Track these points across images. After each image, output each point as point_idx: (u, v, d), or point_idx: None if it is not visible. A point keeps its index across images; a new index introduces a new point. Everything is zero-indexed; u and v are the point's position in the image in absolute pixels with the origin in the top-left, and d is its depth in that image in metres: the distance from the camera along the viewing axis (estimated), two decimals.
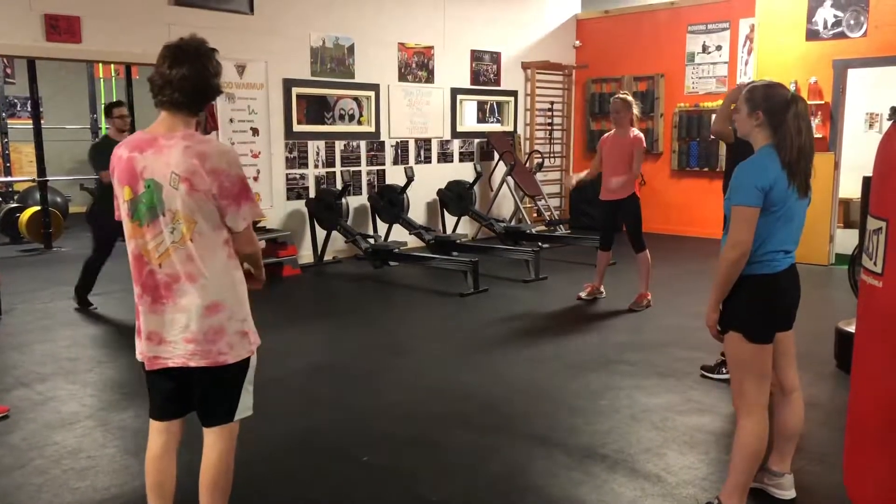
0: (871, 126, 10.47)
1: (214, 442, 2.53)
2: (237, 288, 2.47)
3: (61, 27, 6.68)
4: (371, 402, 4.36)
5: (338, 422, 4.05)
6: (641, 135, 6.46)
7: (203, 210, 2.35)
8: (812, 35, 8.35)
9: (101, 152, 6.74)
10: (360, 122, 9.36)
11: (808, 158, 2.80)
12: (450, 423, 4.02)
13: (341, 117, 9.55)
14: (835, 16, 8.15)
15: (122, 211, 2.45)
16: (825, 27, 8.24)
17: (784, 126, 2.77)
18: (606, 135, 6.63)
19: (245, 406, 2.57)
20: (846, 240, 8.06)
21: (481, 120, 11.32)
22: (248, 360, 2.52)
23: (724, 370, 4.69)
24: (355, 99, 9.37)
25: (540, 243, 8.77)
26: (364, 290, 7.50)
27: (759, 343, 2.84)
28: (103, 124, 11.91)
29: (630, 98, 6.54)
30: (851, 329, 4.75)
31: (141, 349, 2.50)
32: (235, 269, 2.48)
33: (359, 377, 4.78)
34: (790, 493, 3.15)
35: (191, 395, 2.54)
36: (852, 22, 8.06)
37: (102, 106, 11.58)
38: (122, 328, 6.02)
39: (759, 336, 2.85)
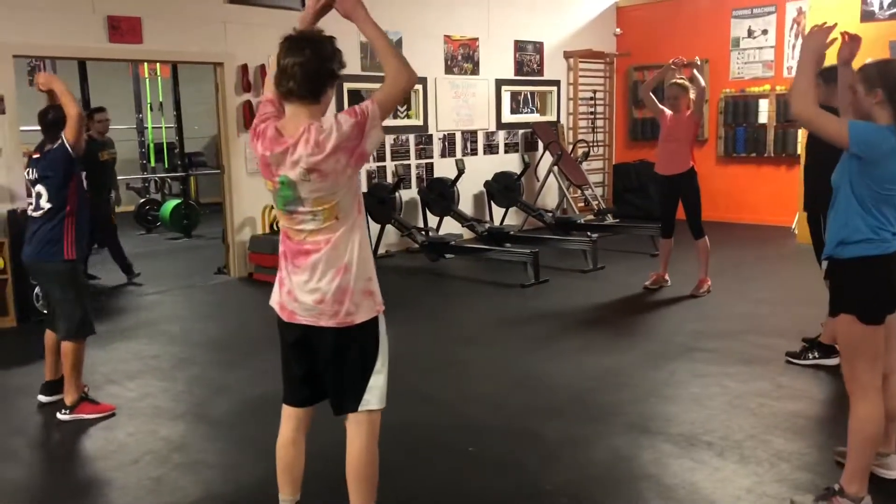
0: None
1: (356, 435, 2.57)
2: (363, 250, 2.51)
3: (123, 28, 6.74)
4: (459, 393, 4.38)
5: (431, 414, 4.07)
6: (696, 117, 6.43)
7: (339, 185, 2.41)
8: (867, 16, 8.25)
9: (86, 152, 7.05)
10: (408, 116, 9.36)
11: None
12: (543, 413, 4.03)
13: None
14: None
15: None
16: (881, 7, 8.14)
17: None
18: (662, 114, 6.54)
19: (378, 387, 2.55)
20: None
21: (515, 111, 11.18)
22: (376, 322, 2.55)
23: (811, 355, 4.68)
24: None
25: (589, 233, 8.74)
26: (423, 283, 7.52)
27: (871, 324, 2.83)
28: (150, 123, 12.07)
29: (687, 83, 6.49)
30: None
31: (280, 299, 2.57)
32: (360, 229, 2.52)
33: (440, 369, 4.80)
34: (895, 473, 3.15)
35: (323, 380, 2.59)
36: None
37: (148, 104, 11.75)
38: (187, 325, 6.10)
39: (871, 317, 2.83)
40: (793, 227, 9.56)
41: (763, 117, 10.14)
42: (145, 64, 10.57)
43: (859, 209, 2.79)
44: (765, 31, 10.10)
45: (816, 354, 4.66)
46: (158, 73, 10.92)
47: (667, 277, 6.80)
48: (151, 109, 10.99)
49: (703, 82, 6.48)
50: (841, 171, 2.88)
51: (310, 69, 2.38)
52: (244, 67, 7.70)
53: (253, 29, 7.69)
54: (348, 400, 2.56)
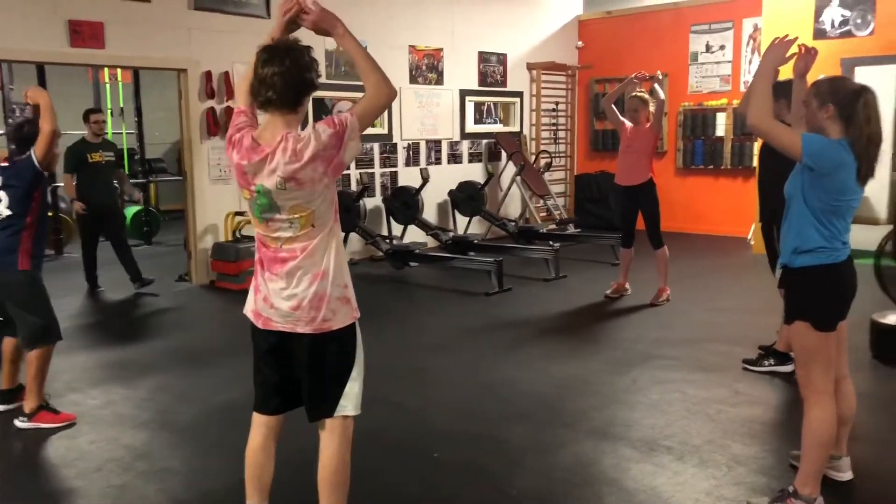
0: None
1: (329, 441, 2.59)
2: (339, 257, 2.54)
3: (85, 33, 6.67)
4: (425, 400, 4.42)
5: (397, 421, 4.10)
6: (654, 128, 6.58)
7: (316, 193, 2.42)
8: (819, 34, 8.52)
9: (74, 154, 7.20)
10: (373, 125, 9.38)
11: (878, 146, 2.89)
12: (509, 419, 4.09)
13: None
14: (842, 15, 8.32)
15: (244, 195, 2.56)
16: (833, 26, 8.41)
17: (855, 116, 2.85)
18: (623, 126, 6.65)
19: (354, 394, 2.57)
20: (859, 235, 8.19)
21: (479, 121, 11.28)
22: (353, 329, 2.58)
23: (767, 362, 4.81)
24: (352, 101, 9.23)
25: (551, 242, 8.86)
26: (388, 291, 7.55)
27: (825, 331, 2.94)
28: (110, 129, 11.88)
29: (647, 96, 6.63)
30: (886, 321, 4.91)
31: (254, 307, 2.58)
32: (336, 237, 2.54)
33: (406, 376, 4.83)
34: (847, 475, 3.27)
35: (296, 388, 2.60)
36: (859, 21, 8.23)
37: (108, 110, 11.57)
38: (150, 333, 6.05)
39: (825, 324, 2.94)
40: (749, 237, 9.80)
41: (720, 130, 10.39)
42: (105, 69, 10.42)
43: (812, 219, 2.90)
44: (722, 47, 10.35)
45: (772, 361, 4.79)
46: (119, 79, 10.79)
47: (627, 286, 6.92)
48: (112, 115, 10.84)
49: (662, 95, 6.64)
50: (793, 182, 2.99)
51: (289, 79, 2.40)
52: (208, 74, 7.67)
53: (217, 35, 7.67)
54: (324, 406, 2.57)
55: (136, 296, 7.24)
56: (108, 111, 11.07)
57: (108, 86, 11.12)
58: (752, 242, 9.52)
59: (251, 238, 7.70)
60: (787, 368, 4.67)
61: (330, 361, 2.55)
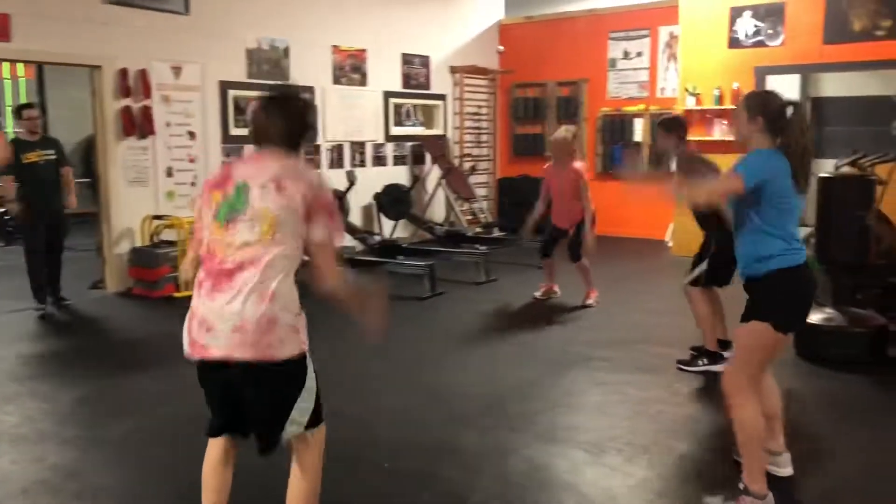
0: None
1: (295, 458, 2.49)
2: (292, 285, 2.44)
3: None
4: (369, 408, 4.31)
5: (343, 430, 3.95)
6: (581, 166, 6.67)
7: (286, 211, 2.36)
8: (734, 43, 8.84)
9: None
10: None
11: (812, 156, 3.00)
12: (456, 424, 4.04)
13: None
14: (755, 25, 8.66)
15: (206, 216, 2.44)
16: (746, 36, 8.74)
17: (789, 128, 2.95)
18: (548, 166, 6.84)
19: (302, 413, 2.47)
20: None
21: (398, 123, 11.13)
22: (303, 362, 2.46)
23: (700, 362, 4.92)
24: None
25: (477, 245, 8.89)
26: (318, 297, 7.35)
27: (788, 332, 3.01)
28: (9, 126, 11.23)
29: (571, 135, 6.74)
30: (809, 319, 5.10)
31: (190, 336, 2.41)
32: (293, 264, 2.44)
33: (346, 384, 4.70)
34: (788, 471, 3.34)
35: (245, 415, 2.49)
36: (770, 31, 8.58)
37: (7, 108, 10.94)
38: (66, 342, 5.72)
39: (790, 326, 3.02)
40: (666, 239, 10.08)
41: (638, 135, 10.65)
42: (4, 64, 9.85)
43: (767, 228, 2.97)
44: (640, 53, 10.62)
45: (705, 361, 4.91)
46: (21, 75, 10.20)
47: (556, 288, 6.99)
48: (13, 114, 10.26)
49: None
50: (739, 203, 3.05)
51: (293, 129, 2.50)
52: (124, 71, 7.32)
53: (134, 31, 7.34)
54: (270, 439, 2.48)
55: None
56: (7, 108, 10.50)
57: (7, 82, 10.50)
58: (670, 244, 9.80)
59: (171, 243, 7.46)
60: (721, 367, 4.79)
61: (275, 395, 2.41)
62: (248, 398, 2.42)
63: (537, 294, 6.99)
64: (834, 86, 10.13)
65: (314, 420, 2.52)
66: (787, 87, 9.57)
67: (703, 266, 4.83)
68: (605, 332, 5.85)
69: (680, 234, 9.28)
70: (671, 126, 4.99)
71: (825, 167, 10.27)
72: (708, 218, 4.71)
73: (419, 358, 5.25)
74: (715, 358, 4.87)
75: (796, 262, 3.00)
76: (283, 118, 2.47)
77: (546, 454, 3.66)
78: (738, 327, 3.11)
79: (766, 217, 2.97)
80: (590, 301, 6.70)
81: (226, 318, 2.31)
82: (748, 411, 3.02)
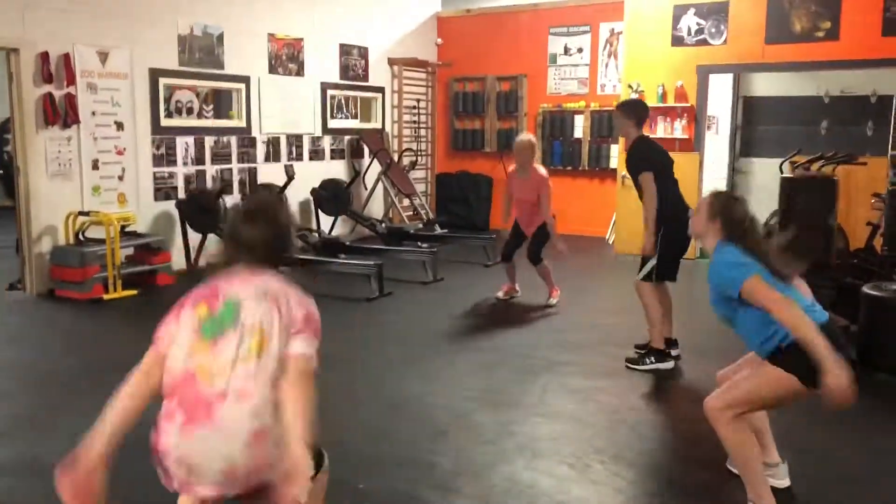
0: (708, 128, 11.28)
1: None
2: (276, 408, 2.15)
3: None
4: (335, 423, 3.98)
5: None
6: (545, 174, 6.54)
7: (276, 328, 2.14)
8: (677, 41, 8.85)
9: None
10: (229, 117, 8.73)
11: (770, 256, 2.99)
12: (428, 438, 3.80)
13: (178, 111, 8.25)
14: (698, 23, 8.69)
15: (184, 332, 2.15)
16: (689, 34, 8.76)
17: (746, 238, 3.01)
18: (511, 171, 6.68)
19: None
20: None
21: (332, 115, 10.76)
22: None
23: (648, 360, 4.84)
24: (196, 92, 8.37)
25: (420, 243, 8.67)
26: None
27: (810, 387, 2.83)
28: None
29: (533, 140, 6.63)
30: None
31: (164, 462, 2.08)
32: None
33: None
34: (786, 482, 3.27)
35: None
36: (713, 30, 8.63)
37: None
38: None
39: (815, 382, 2.80)
40: (607, 236, 10.08)
41: (578, 132, 10.60)
42: None
43: (758, 314, 2.88)
44: (580, 50, 10.56)
45: (653, 359, 4.83)
46: None
47: (517, 288, 6.84)
48: None
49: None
50: (727, 306, 3.02)
51: (273, 243, 2.30)
52: (45, 55, 6.76)
53: (57, 13, 6.79)
54: None
55: None
56: None
57: None
58: (611, 242, 9.79)
59: (99, 240, 6.94)
60: (668, 365, 4.81)
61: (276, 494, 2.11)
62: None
63: (499, 294, 6.83)
64: (766, 85, 10.31)
65: (317, 466, 2.26)
66: (721, 85, 9.75)
67: (653, 262, 4.81)
68: (566, 335, 5.71)
69: (621, 231, 9.27)
70: (629, 109, 5.06)
71: (759, 166, 10.62)
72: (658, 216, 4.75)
73: (377, 365, 4.99)
74: (663, 356, 4.82)
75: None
76: (264, 231, 2.27)
77: (528, 469, 3.46)
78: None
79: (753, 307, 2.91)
80: (552, 300, 6.58)
81: (212, 459, 2.01)
82: (737, 436, 2.94)
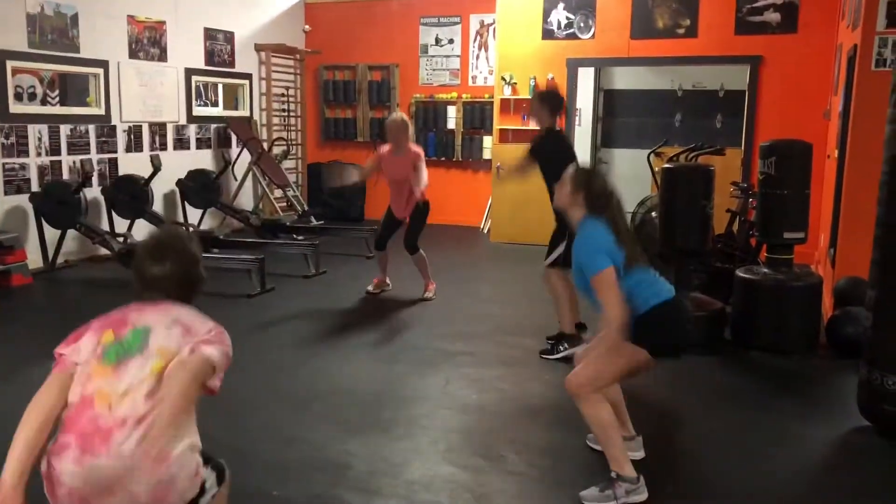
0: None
1: None
2: (190, 420, 2.12)
3: None
4: (237, 429, 3.80)
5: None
6: (420, 149, 6.44)
7: (185, 351, 2.09)
8: (547, 34, 9.07)
9: None
10: (87, 104, 8.11)
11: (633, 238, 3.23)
12: (337, 438, 3.69)
13: (18, 97, 7.42)
14: (567, 17, 8.94)
15: (83, 357, 2.06)
16: (559, 27, 9.00)
17: (607, 211, 3.18)
18: (385, 150, 6.43)
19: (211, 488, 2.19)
20: None
21: (197, 103, 10.25)
22: (202, 486, 2.13)
23: (561, 347, 4.94)
24: (40, 77, 7.66)
25: (295, 235, 8.46)
26: (125, 297, 6.53)
27: (657, 356, 3.19)
28: None
29: (406, 118, 6.51)
30: None
31: (55, 491, 1.94)
32: (190, 419, 2.15)
33: (203, 402, 4.16)
34: (640, 454, 3.46)
35: None
36: (582, 24, 8.90)
37: None
38: None
39: (661, 352, 3.26)
40: (482, 226, 10.21)
41: (451, 123, 10.65)
42: None
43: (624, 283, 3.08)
44: (451, 41, 10.61)
45: (566, 346, 4.93)
46: None
47: (388, 281, 6.77)
48: None
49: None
50: (585, 281, 3.16)
51: (183, 278, 2.26)
52: None
53: None
54: None
55: None
56: None
57: None
58: (486, 231, 9.93)
59: None
60: (581, 349, 4.87)
61: None
62: None
63: (370, 288, 6.71)
64: (626, 79, 10.80)
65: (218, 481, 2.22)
66: (585, 78, 10.09)
67: (561, 248, 4.89)
68: (455, 326, 5.72)
69: (497, 220, 9.42)
70: (545, 98, 5.19)
71: (619, 156, 11.10)
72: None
73: (271, 364, 4.79)
74: (575, 341, 4.92)
75: (666, 297, 3.16)
76: (173, 268, 2.22)
77: (448, 464, 3.43)
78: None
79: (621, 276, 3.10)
80: (428, 294, 6.55)
81: (108, 491, 1.90)
82: (595, 408, 3.08)
